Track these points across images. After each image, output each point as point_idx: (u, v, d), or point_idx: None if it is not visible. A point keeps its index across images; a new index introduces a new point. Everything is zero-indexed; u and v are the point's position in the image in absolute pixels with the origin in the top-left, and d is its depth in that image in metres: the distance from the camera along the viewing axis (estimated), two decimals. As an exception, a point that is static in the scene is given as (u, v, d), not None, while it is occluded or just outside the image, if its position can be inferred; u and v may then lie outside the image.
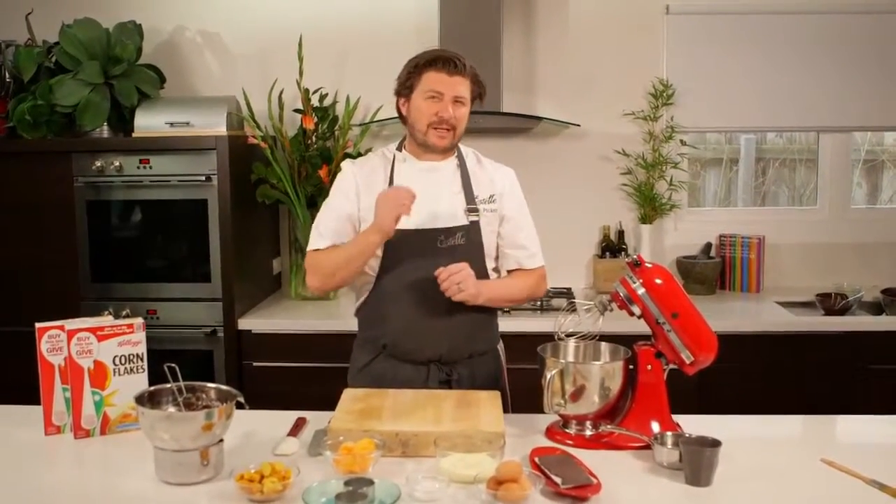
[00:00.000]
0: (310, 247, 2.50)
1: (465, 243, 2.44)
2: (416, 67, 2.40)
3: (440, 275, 2.29)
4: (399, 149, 2.54)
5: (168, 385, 2.06)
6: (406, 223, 2.37)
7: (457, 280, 2.28)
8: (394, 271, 2.43)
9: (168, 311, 3.61)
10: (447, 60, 2.37)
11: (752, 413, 2.41)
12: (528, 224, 2.59)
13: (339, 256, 2.42)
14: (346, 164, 2.57)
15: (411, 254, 2.41)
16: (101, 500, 1.90)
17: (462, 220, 2.45)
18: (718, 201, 4.54)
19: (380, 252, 2.42)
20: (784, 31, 4.10)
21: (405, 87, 2.43)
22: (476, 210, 2.46)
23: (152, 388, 2.06)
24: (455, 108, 2.39)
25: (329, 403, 2.33)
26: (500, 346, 2.67)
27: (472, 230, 2.46)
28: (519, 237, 2.55)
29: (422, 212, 2.40)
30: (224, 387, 2.06)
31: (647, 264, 2.16)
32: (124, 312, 3.54)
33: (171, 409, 2.02)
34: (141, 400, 1.98)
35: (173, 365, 2.05)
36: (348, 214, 2.47)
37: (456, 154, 2.53)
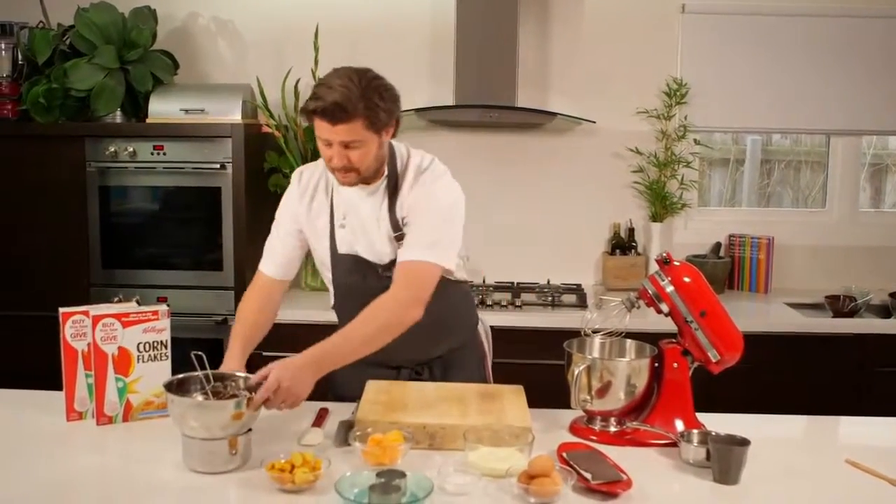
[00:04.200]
0: (261, 263, 2.49)
1: None
2: (305, 111, 2.18)
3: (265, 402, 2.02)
4: None
5: (196, 373, 2.05)
6: (349, 248, 2.34)
7: (280, 402, 2.03)
8: (344, 290, 2.41)
9: (178, 298, 3.59)
10: (325, 111, 2.10)
11: (758, 413, 2.43)
12: (419, 214, 2.29)
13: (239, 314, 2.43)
14: (294, 177, 2.47)
15: (358, 278, 2.36)
16: (122, 487, 1.89)
17: (392, 250, 2.31)
18: (724, 201, 4.55)
19: (329, 272, 2.41)
20: (798, 34, 4.10)
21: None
22: (402, 237, 2.30)
23: (181, 375, 2.06)
24: (349, 152, 2.17)
25: (338, 394, 2.33)
26: (483, 330, 2.63)
27: None
28: (408, 232, 2.30)
29: (359, 239, 2.35)
30: (252, 376, 2.05)
31: (675, 262, 2.17)
32: (135, 299, 3.52)
33: (200, 398, 2.01)
34: (170, 387, 1.97)
35: (200, 353, 2.05)
36: (292, 231, 2.43)
37: (386, 174, 2.33)
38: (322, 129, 2.15)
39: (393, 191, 2.32)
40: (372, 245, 2.34)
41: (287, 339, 3.54)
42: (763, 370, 3.46)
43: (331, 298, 2.52)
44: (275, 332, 3.54)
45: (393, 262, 2.30)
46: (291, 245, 2.44)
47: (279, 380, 2.00)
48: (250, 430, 1.97)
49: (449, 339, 2.49)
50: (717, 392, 3.09)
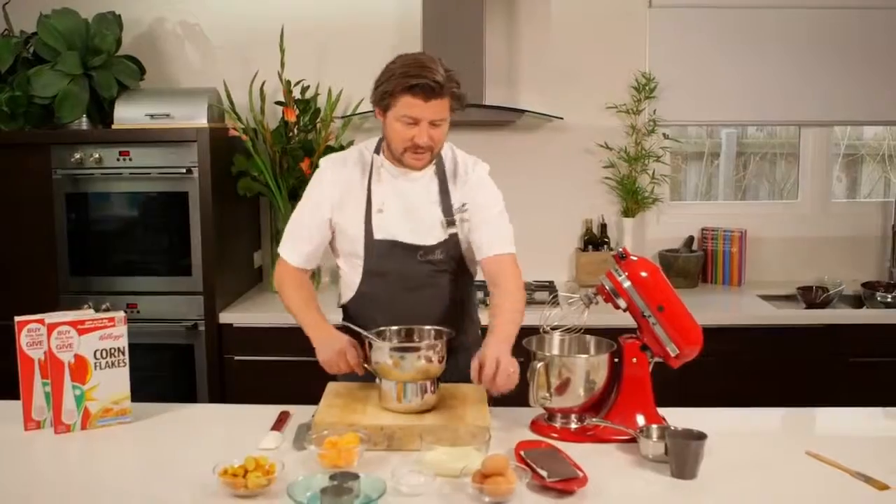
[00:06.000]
0: (282, 250, 2.48)
1: (444, 258, 2.40)
2: (391, 91, 2.23)
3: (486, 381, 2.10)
4: (377, 151, 2.44)
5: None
6: (387, 234, 2.36)
7: (505, 384, 2.09)
8: (376, 279, 2.41)
9: (148, 304, 3.57)
10: (425, 86, 2.19)
11: (732, 405, 2.42)
12: (496, 212, 2.42)
13: (291, 305, 2.44)
14: (324, 165, 2.49)
15: (393, 264, 2.38)
16: (81, 496, 1.88)
17: (440, 234, 2.39)
18: (700, 195, 4.55)
19: (361, 260, 2.40)
20: (767, 26, 4.10)
21: (381, 104, 2.29)
22: (453, 222, 2.40)
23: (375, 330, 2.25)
24: (432, 130, 2.27)
25: (312, 397, 2.32)
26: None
27: (451, 244, 2.40)
28: (484, 223, 2.39)
29: (401, 224, 2.37)
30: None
31: (632, 257, 2.17)
32: (104, 306, 3.52)
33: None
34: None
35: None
36: (321, 222, 2.43)
37: (434, 161, 2.43)
38: (413, 106, 2.22)
39: (443, 177, 2.41)
40: (417, 228, 2.37)
41: (258, 342, 3.55)
42: (736, 363, 3.47)
43: (342, 296, 2.52)
44: (245, 335, 3.56)
45: (437, 246, 2.38)
46: (321, 237, 2.45)
47: (509, 363, 2.09)
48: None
49: (470, 326, 2.51)
50: (689, 385, 3.09)
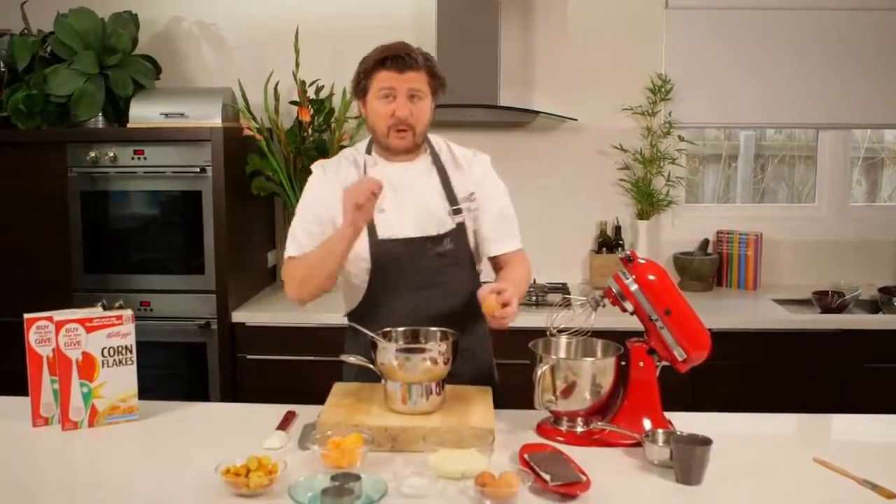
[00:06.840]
0: (286, 254, 2.42)
1: (453, 248, 2.37)
2: (366, 70, 2.30)
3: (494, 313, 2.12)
4: (368, 151, 2.43)
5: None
6: (392, 232, 2.33)
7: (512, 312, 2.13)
8: (385, 280, 2.36)
9: (162, 302, 3.60)
10: (396, 58, 2.25)
11: (746, 411, 2.40)
12: (502, 205, 2.46)
13: (309, 259, 2.32)
14: (316, 168, 2.46)
15: (401, 262, 2.34)
16: (87, 493, 1.89)
17: (448, 224, 2.37)
18: (717, 198, 4.52)
19: (368, 262, 2.35)
20: (784, 27, 4.08)
21: (359, 89, 2.33)
22: (460, 210, 2.38)
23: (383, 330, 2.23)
24: (412, 104, 2.28)
25: (322, 397, 2.32)
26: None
27: (459, 233, 2.38)
28: (493, 218, 2.43)
29: (404, 219, 2.34)
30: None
31: (640, 260, 2.15)
32: (118, 304, 3.54)
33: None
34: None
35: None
36: (322, 218, 2.36)
37: (428, 150, 2.43)
38: (388, 79, 2.26)
39: (441, 166, 2.41)
40: (421, 220, 2.35)
41: (270, 341, 3.56)
42: (751, 367, 3.46)
43: (347, 303, 2.48)
44: (257, 334, 3.57)
45: (445, 235, 2.36)
46: (328, 229, 2.35)
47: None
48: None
49: (469, 336, 2.45)
50: (703, 390, 3.09)
